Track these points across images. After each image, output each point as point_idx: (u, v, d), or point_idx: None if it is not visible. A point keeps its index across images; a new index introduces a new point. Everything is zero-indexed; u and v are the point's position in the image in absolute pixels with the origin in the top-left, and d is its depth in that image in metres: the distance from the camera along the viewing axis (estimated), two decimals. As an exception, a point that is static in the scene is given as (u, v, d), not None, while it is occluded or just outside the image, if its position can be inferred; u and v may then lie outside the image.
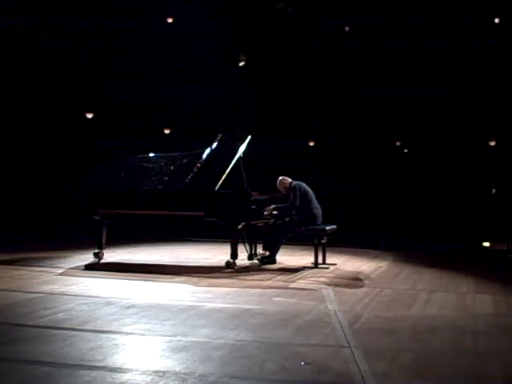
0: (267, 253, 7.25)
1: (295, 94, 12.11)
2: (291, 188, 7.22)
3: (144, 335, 3.75)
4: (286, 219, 7.13)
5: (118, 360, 3.21)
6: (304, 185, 7.27)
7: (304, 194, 7.14)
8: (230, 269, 6.71)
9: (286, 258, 7.75)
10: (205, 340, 3.63)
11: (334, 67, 12.03)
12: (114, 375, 2.96)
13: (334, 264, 7.25)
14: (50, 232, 10.56)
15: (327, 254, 7.24)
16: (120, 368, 3.08)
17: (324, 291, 5.40)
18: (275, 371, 3.06)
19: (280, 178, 7.42)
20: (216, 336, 3.71)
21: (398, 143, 12.62)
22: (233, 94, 12.12)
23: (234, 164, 7.08)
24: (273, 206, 7.09)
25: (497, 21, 10.90)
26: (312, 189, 7.33)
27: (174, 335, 3.72)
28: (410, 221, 11.16)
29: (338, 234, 7.44)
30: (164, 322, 4.06)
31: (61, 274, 6.23)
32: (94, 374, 2.96)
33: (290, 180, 7.34)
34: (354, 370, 3.08)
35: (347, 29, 11.87)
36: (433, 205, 11.48)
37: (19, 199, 11.09)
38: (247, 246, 7.48)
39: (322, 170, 11.58)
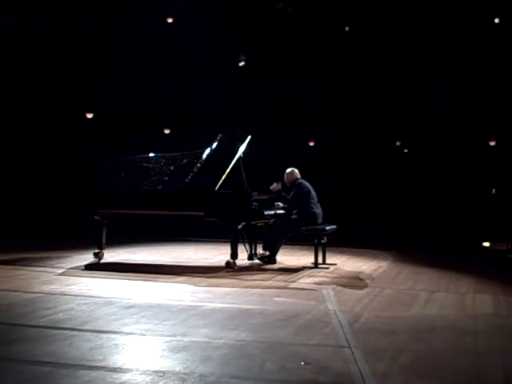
0: (267, 253, 7.26)
1: (295, 94, 12.10)
2: (295, 184, 7.23)
3: (144, 335, 3.75)
4: (285, 219, 7.15)
5: (118, 360, 3.21)
6: (307, 184, 7.28)
7: (306, 192, 7.15)
8: (229, 269, 6.71)
9: (286, 258, 7.75)
10: (205, 340, 3.63)
11: (333, 66, 12.02)
12: (114, 375, 2.96)
13: (334, 264, 7.25)
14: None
15: (327, 254, 7.24)
16: (120, 368, 3.08)
17: (324, 291, 5.40)
18: (275, 371, 3.06)
19: (291, 169, 7.41)
20: (216, 336, 3.71)
21: (397, 143, 12.62)
22: (232, 94, 12.14)
23: (234, 164, 7.08)
24: (281, 205, 7.17)
25: (497, 21, 10.90)
26: (313, 188, 7.34)
27: (174, 335, 3.72)
28: (410, 221, 11.16)
29: (338, 233, 7.44)
30: (164, 322, 4.06)
31: (61, 274, 6.23)
32: (94, 373, 2.96)
33: (298, 176, 7.34)
34: (354, 370, 3.08)
35: (347, 29, 11.87)
36: (432, 205, 11.48)
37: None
38: (247, 246, 7.49)
39: (321, 169, 11.59)
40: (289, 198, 7.19)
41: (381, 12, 11.09)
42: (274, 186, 7.30)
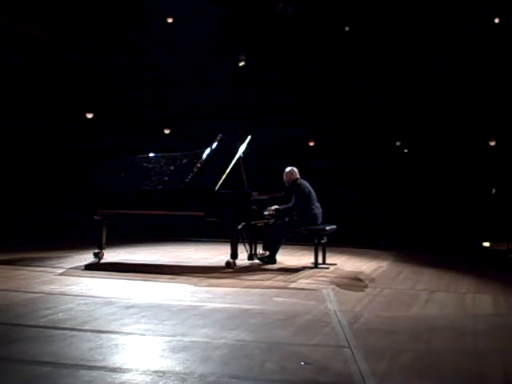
0: (267, 253, 7.25)
1: (295, 94, 12.11)
2: (295, 184, 7.19)
3: (144, 335, 3.75)
4: (286, 219, 7.12)
5: (118, 360, 3.21)
6: (307, 184, 7.26)
7: (307, 194, 7.13)
8: (229, 269, 6.70)
9: (286, 258, 7.75)
10: (205, 340, 3.63)
11: (333, 66, 12.03)
12: (114, 375, 2.96)
13: (334, 264, 7.25)
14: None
15: (327, 254, 7.24)
16: (120, 368, 3.08)
17: (324, 291, 5.40)
18: (275, 371, 3.06)
19: (290, 168, 7.34)
20: (216, 336, 3.71)
21: (397, 143, 12.62)
22: (232, 94, 12.15)
23: (234, 164, 7.07)
24: (274, 207, 7.08)
25: (497, 21, 10.90)
26: (312, 188, 7.32)
27: (174, 335, 3.72)
28: (410, 221, 11.15)
29: (338, 233, 7.43)
30: (164, 322, 4.07)
31: (61, 274, 6.23)
32: (94, 373, 2.96)
33: (297, 175, 7.30)
34: (354, 370, 3.08)
35: (347, 29, 11.87)
36: (432, 205, 11.48)
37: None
38: (247, 246, 7.48)
39: (321, 169, 11.59)
40: (292, 203, 7.12)
41: (382, 12, 11.09)
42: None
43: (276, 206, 7.10)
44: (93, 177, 7.59)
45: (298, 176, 7.31)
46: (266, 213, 7.01)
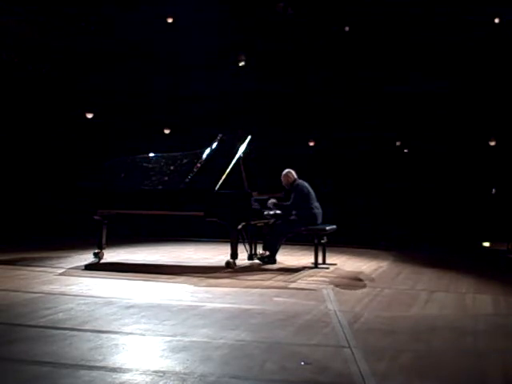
0: (267, 253, 7.25)
1: (294, 94, 12.11)
2: (293, 186, 7.21)
3: (144, 335, 3.75)
4: (290, 217, 7.12)
5: (118, 360, 3.21)
6: (306, 184, 7.26)
7: (306, 193, 7.13)
8: (229, 269, 6.71)
9: (286, 258, 7.75)
10: (205, 340, 3.63)
11: (333, 66, 12.03)
12: (114, 375, 2.96)
13: (334, 264, 7.25)
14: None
15: (327, 254, 7.24)
16: (120, 368, 3.08)
17: (324, 291, 5.40)
18: (275, 371, 3.06)
19: (287, 170, 7.37)
20: (216, 336, 3.71)
21: (398, 143, 12.63)
22: (232, 94, 12.15)
23: (234, 164, 7.07)
24: (273, 201, 7.10)
25: (497, 21, 10.90)
26: (312, 188, 7.32)
27: (174, 335, 3.72)
28: (410, 221, 11.16)
29: (338, 233, 7.43)
30: (164, 322, 4.06)
31: (61, 274, 6.23)
32: (94, 373, 2.96)
33: (295, 177, 7.31)
34: (354, 370, 3.08)
35: (347, 29, 11.87)
36: (433, 205, 11.48)
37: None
38: (247, 246, 7.49)
39: (321, 169, 11.59)
40: (290, 202, 7.13)
41: (381, 11, 11.09)
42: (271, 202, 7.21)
43: (275, 200, 7.13)
44: (93, 177, 7.59)
45: (296, 177, 7.32)
46: (266, 213, 7.01)
